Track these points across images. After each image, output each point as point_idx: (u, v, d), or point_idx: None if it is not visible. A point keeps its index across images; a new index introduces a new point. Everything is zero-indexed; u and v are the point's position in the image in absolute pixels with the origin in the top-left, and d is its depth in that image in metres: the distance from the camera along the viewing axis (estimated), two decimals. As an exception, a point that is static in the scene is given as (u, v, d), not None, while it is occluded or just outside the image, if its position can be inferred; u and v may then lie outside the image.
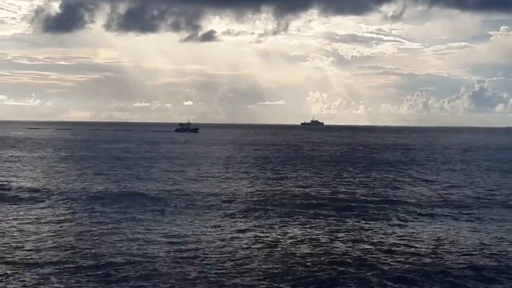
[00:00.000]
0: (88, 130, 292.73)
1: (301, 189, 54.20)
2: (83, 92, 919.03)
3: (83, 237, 32.33)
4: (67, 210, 41.60)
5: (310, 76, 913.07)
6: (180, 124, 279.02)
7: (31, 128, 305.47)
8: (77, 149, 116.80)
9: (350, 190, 53.30)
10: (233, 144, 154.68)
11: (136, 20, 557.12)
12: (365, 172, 71.90)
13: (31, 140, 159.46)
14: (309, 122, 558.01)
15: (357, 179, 63.03)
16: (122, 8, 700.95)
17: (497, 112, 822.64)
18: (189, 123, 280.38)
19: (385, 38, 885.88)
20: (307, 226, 36.46)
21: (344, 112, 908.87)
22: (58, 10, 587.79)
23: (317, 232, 34.69)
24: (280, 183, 59.25)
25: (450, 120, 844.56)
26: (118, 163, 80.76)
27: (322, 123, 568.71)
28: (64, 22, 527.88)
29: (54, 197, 47.51)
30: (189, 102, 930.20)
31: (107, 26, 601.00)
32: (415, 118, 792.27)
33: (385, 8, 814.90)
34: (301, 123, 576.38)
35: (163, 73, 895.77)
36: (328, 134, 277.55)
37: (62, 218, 38.40)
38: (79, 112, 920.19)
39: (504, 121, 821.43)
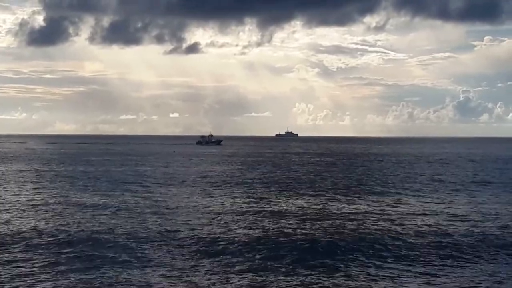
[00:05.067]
0: (104, 144, 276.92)
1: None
2: (69, 105, 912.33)
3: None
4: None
5: (295, 87, 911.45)
6: (202, 137, 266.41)
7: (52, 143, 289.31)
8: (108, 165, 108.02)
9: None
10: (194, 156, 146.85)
11: (120, 32, 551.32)
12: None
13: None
14: (284, 133, 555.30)
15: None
16: (105, 21, 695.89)
17: (482, 122, 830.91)
18: (211, 135, 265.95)
19: (370, 49, 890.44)
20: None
21: (330, 123, 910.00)
22: (42, 23, 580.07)
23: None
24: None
25: (436, 130, 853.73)
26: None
27: (297, 134, 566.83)
28: (49, 35, 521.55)
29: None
30: (175, 114, 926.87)
31: (91, 39, 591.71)
32: (400, 129, 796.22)
33: (368, 19, 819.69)
34: (276, 135, 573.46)
35: (149, 85, 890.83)
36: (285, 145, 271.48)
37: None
38: (65, 125, 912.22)
39: (489, 131, 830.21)
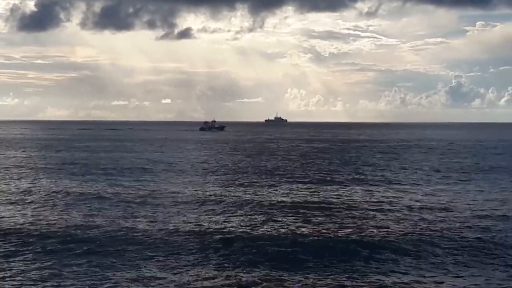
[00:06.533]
0: (105, 130, 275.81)
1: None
2: (60, 90, 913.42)
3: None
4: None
5: (287, 73, 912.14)
6: (205, 123, 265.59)
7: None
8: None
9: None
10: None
11: (111, 18, 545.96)
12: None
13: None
14: (273, 119, 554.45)
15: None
16: (97, 6, 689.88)
17: (474, 107, 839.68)
18: (214, 121, 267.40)
19: (362, 34, 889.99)
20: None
21: (322, 109, 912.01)
22: (34, 9, 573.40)
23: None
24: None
25: (428, 115, 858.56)
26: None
27: (286, 120, 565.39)
28: (40, 21, 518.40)
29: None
30: (167, 100, 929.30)
31: (83, 25, 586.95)
32: (393, 114, 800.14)
33: (360, 4, 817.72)
34: (265, 120, 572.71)
35: (141, 71, 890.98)
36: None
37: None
38: (57, 110, 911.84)
39: (481, 116, 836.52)
